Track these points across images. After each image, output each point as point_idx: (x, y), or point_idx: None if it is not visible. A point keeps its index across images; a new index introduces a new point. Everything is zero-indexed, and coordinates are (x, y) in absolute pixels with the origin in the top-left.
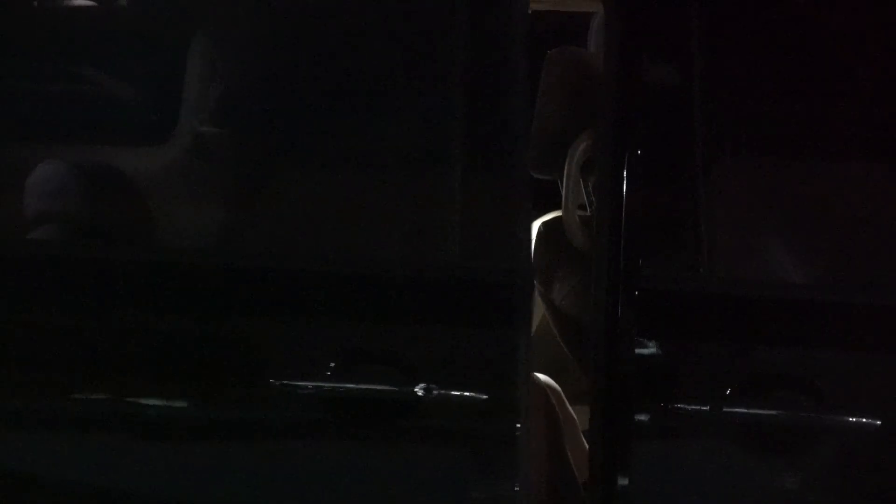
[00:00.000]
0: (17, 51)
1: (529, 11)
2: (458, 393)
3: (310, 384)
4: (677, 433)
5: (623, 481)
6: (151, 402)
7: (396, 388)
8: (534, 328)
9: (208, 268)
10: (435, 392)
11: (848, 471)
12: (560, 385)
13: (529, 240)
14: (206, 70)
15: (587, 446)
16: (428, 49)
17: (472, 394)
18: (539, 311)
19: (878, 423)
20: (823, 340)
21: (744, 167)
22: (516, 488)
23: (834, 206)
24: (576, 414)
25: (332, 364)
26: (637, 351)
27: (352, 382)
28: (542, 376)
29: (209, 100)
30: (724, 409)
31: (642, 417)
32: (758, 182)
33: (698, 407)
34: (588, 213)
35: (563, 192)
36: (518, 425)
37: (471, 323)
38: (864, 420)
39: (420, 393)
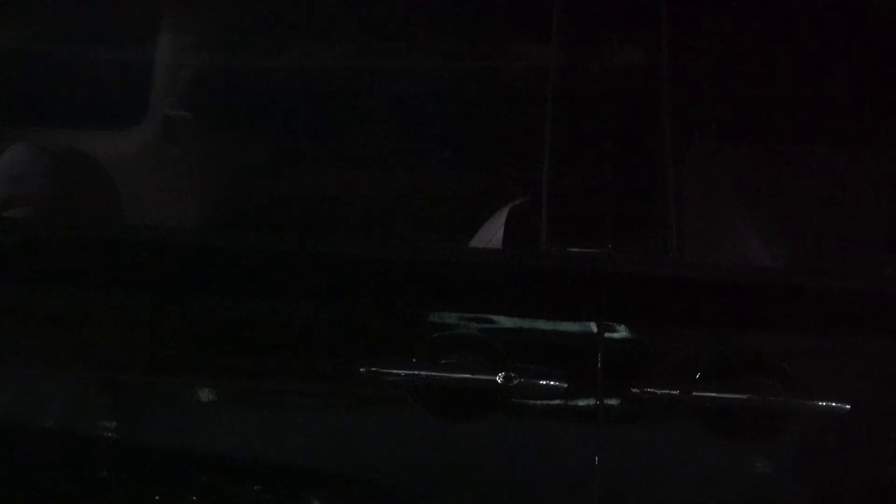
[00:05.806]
0: None
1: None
2: (541, 382)
3: (401, 371)
4: (646, 417)
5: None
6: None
7: (479, 377)
8: None
9: (317, 254)
10: (516, 380)
11: (817, 455)
12: None
13: (613, 227)
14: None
15: None
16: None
17: (555, 383)
18: None
19: (848, 407)
20: (793, 324)
21: (714, 151)
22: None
23: (804, 191)
24: None
25: (422, 353)
26: (606, 335)
27: (442, 371)
28: None
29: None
30: (694, 394)
31: (611, 402)
32: (727, 166)
33: (668, 391)
34: None
35: None
36: (597, 402)
37: (552, 309)
38: (834, 404)
39: (499, 381)
